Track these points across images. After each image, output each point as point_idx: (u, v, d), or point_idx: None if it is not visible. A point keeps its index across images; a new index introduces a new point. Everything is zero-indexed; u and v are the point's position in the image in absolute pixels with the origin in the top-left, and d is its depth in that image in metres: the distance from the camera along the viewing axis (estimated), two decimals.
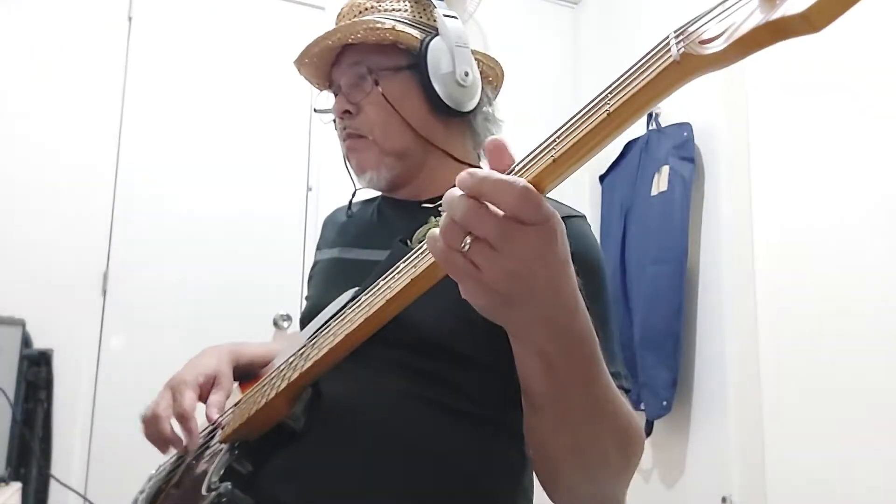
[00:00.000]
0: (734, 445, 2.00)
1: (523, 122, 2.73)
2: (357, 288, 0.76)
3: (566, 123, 0.47)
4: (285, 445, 0.75)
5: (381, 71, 0.87)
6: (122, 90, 2.20)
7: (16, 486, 1.66)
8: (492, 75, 0.98)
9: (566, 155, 0.46)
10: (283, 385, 0.71)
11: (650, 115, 2.42)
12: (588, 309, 0.70)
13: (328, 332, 0.70)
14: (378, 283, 0.64)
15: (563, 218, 0.77)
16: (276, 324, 2.25)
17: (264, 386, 0.76)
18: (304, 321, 0.92)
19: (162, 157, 2.22)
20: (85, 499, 1.84)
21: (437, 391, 0.75)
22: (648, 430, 2.25)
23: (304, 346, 0.74)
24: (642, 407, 2.22)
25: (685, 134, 2.24)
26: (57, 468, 1.90)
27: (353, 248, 0.94)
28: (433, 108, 0.88)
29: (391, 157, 0.88)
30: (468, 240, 0.46)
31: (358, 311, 0.66)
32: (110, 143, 2.17)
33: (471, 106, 0.90)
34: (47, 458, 1.88)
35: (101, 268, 2.11)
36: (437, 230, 0.48)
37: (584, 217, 0.83)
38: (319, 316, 0.82)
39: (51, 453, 1.90)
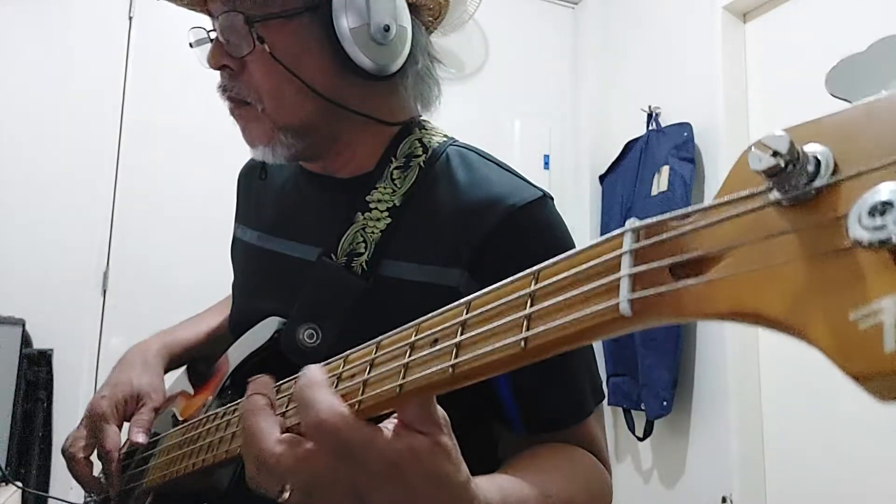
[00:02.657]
0: (734, 445, 2.00)
1: (523, 122, 2.74)
2: (280, 320, 0.68)
3: (456, 318, 0.37)
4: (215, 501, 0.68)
5: (265, 20, 0.64)
6: (122, 90, 2.20)
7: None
8: (432, 4, 0.71)
9: (440, 379, 0.36)
10: (187, 471, 0.64)
11: (650, 116, 2.42)
12: None
13: (181, 454, 0.65)
14: (207, 430, 0.59)
15: (511, 208, 0.62)
16: None
17: (190, 447, 0.67)
18: (232, 327, 0.82)
19: (162, 157, 2.22)
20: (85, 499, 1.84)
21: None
22: (649, 430, 2.25)
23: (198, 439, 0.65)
24: (642, 407, 2.22)
25: (685, 134, 2.24)
26: (57, 468, 1.90)
27: (274, 236, 0.77)
28: (341, 67, 0.65)
29: (288, 132, 0.67)
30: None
31: (182, 458, 0.62)
32: (111, 142, 2.17)
33: (394, 67, 0.67)
34: (47, 458, 1.88)
35: (101, 268, 2.11)
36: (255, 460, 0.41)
37: (540, 199, 0.65)
38: (242, 342, 0.73)
39: (50, 453, 1.90)
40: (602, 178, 2.62)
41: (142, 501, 0.73)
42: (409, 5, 0.68)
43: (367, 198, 0.68)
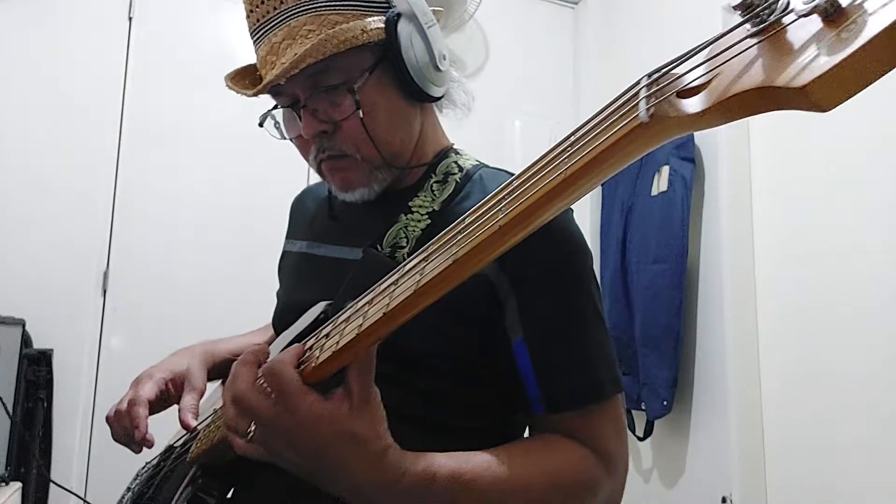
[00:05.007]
0: (734, 445, 2.00)
1: (523, 122, 2.74)
2: (326, 302, 0.70)
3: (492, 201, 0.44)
4: (256, 471, 0.70)
5: (354, 81, 0.73)
6: (122, 90, 2.20)
7: (16, 486, 1.66)
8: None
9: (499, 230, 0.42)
10: None
11: None
12: (542, 318, 0.68)
13: None
14: None
15: None
16: None
17: None
18: (276, 324, 0.87)
19: (162, 157, 2.22)
20: (84, 500, 1.84)
21: (419, 405, 0.70)
22: (649, 430, 2.25)
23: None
24: (643, 407, 2.22)
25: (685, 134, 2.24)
26: (57, 468, 1.90)
27: (322, 243, 0.86)
28: (410, 97, 0.77)
29: (382, 168, 0.77)
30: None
31: None
32: (111, 142, 2.17)
33: (444, 90, 0.80)
34: (47, 458, 1.88)
35: (101, 268, 2.11)
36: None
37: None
38: (290, 329, 0.75)
39: (51, 453, 1.90)
40: None
41: (185, 475, 0.76)
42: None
43: (410, 203, 0.78)
